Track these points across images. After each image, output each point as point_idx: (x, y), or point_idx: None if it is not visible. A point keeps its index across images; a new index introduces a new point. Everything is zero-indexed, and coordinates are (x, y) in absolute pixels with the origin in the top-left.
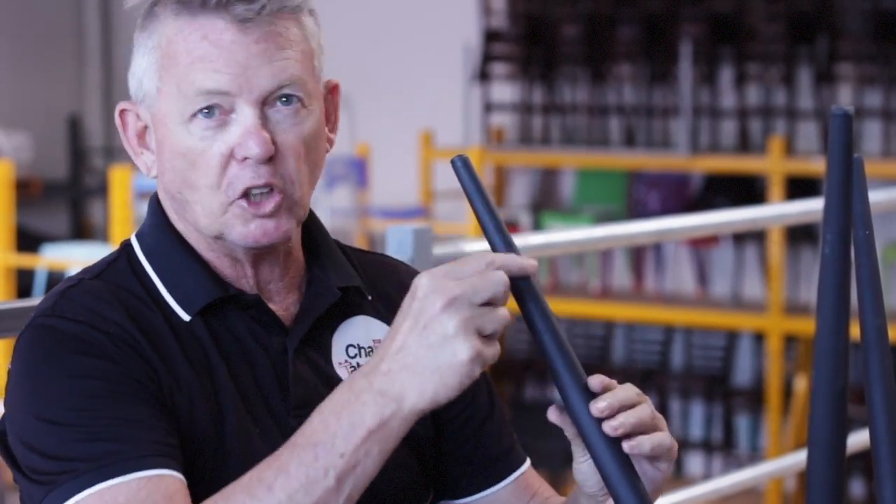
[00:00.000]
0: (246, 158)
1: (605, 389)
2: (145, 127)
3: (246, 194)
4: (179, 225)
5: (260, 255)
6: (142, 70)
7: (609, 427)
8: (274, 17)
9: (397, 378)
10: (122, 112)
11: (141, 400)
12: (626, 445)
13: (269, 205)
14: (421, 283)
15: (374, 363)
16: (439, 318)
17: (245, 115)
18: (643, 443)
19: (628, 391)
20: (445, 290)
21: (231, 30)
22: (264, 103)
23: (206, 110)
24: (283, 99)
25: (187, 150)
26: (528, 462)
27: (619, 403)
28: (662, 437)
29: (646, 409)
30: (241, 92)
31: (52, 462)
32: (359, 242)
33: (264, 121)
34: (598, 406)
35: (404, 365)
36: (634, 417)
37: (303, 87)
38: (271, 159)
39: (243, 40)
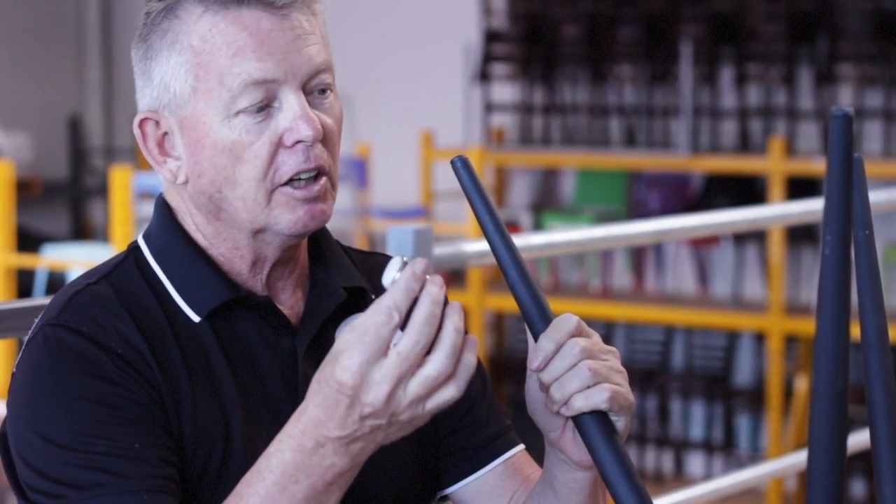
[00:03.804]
0: (297, 143)
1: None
2: (165, 134)
3: (290, 180)
4: (191, 227)
5: (290, 248)
6: (168, 74)
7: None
8: (300, 4)
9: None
10: (142, 122)
11: (140, 425)
12: (562, 410)
13: (316, 187)
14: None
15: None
16: (396, 413)
17: (291, 101)
18: (572, 403)
19: (564, 359)
20: (384, 381)
21: (268, 18)
22: (303, 89)
23: (259, 108)
24: (321, 89)
25: (232, 145)
26: (520, 447)
27: (549, 380)
28: (598, 392)
29: (581, 370)
30: (287, 78)
31: (45, 482)
32: (359, 242)
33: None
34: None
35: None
36: (560, 393)
37: (331, 72)
38: (319, 142)
39: (281, 26)
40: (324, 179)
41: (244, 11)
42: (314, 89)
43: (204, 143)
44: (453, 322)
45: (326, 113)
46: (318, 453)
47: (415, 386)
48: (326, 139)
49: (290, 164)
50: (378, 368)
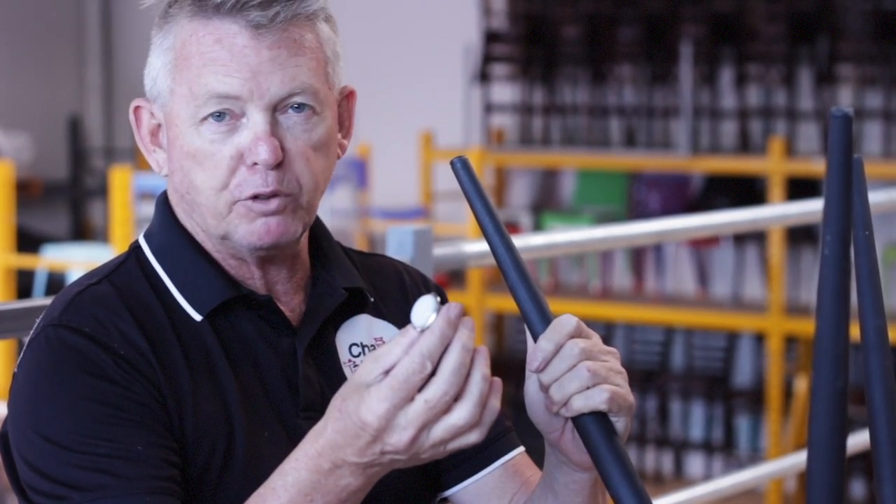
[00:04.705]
0: (255, 164)
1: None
2: (158, 125)
3: (251, 197)
4: (188, 224)
5: (266, 257)
6: (156, 70)
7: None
8: (288, 23)
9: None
10: (137, 109)
11: (142, 426)
12: (562, 411)
13: (274, 203)
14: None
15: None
16: (417, 452)
17: (255, 121)
18: (572, 404)
19: (563, 360)
20: (409, 427)
21: (244, 34)
22: (275, 109)
23: (217, 115)
24: (295, 106)
25: (196, 152)
26: (520, 449)
27: (548, 381)
28: (597, 393)
29: (580, 371)
30: (252, 97)
31: (47, 482)
32: (359, 243)
33: (274, 126)
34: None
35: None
36: (560, 394)
37: (314, 95)
38: (280, 165)
39: (256, 45)
40: (284, 197)
41: (225, 24)
42: (287, 110)
43: (175, 144)
44: (481, 371)
45: (298, 136)
46: (334, 474)
47: (439, 431)
48: (291, 162)
49: (249, 183)
50: (404, 414)
